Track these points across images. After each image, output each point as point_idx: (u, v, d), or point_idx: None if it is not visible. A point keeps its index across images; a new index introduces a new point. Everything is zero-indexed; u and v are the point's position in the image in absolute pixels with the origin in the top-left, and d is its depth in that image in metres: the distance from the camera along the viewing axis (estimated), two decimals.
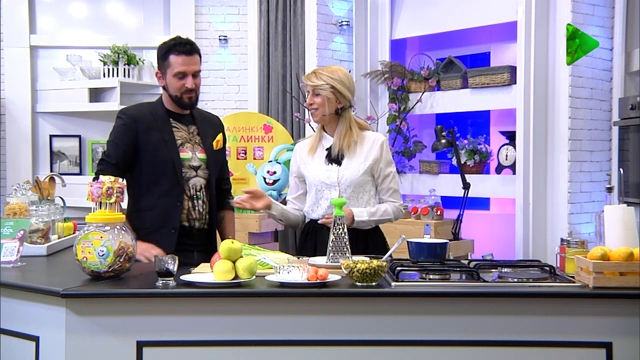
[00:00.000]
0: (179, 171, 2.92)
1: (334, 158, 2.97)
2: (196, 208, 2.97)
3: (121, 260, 2.31)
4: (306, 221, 3.10)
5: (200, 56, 2.97)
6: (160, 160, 2.91)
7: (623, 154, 4.48)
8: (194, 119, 3.05)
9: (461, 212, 4.55)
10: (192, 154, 2.98)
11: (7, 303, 2.29)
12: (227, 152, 3.40)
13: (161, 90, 3.04)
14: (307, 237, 3.03)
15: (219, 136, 3.11)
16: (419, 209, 4.73)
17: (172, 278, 2.20)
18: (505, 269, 2.51)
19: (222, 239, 3.08)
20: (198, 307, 2.15)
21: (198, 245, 2.98)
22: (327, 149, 3.00)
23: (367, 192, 2.97)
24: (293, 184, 3.13)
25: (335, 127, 2.98)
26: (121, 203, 2.41)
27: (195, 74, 2.94)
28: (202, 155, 3.01)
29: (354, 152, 2.95)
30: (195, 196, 2.96)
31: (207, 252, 2.84)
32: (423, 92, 5.21)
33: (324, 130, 3.04)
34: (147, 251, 2.72)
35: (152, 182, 2.92)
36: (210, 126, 3.10)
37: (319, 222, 2.91)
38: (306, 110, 4.11)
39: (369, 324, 2.15)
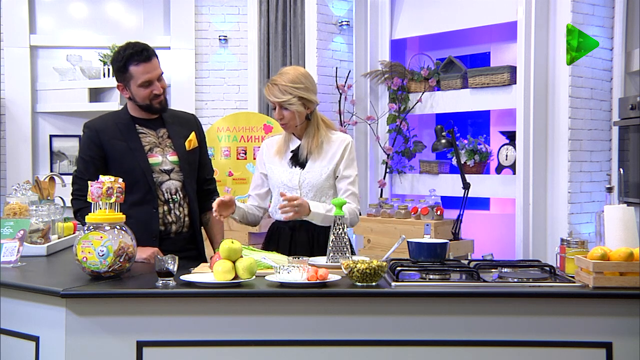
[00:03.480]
0: (149, 177, 2.84)
1: (300, 161, 2.88)
2: (172, 212, 2.89)
3: (121, 260, 2.31)
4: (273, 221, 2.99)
5: (157, 57, 2.86)
6: (128, 168, 2.81)
7: (623, 154, 4.48)
8: (163, 122, 2.95)
9: (461, 212, 4.54)
10: (162, 158, 2.89)
11: (7, 303, 2.29)
12: (227, 152, 3.35)
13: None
14: (270, 238, 2.94)
15: (192, 135, 2.99)
16: (419, 209, 4.73)
17: (172, 278, 2.20)
18: (505, 269, 2.51)
19: (211, 242, 3.05)
20: (198, 307, 2.15)
21: (179, 250, 2.75)
22: (292, 151, 2.91)
23: (330, 197, 2.87)
24: (258, 179, 3.02)
25: (304, 130, 2.88)
26: (121, 203, 2.41)
27: (159, 78, 2.85)
28: (173, 158, 2.92)
29: (320, 154, 2.86)
30: (170, 200, 2.89)
31: (190, 259, 2.78)
32: (423, 92, 5.21)
33: (292, 132, 2.92)
34: (152, 257, 2.68)
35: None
36: (183, 126, 3.00)
37: (282, 219, 2.77)
38: None
39: (368, 324, 2.15)
